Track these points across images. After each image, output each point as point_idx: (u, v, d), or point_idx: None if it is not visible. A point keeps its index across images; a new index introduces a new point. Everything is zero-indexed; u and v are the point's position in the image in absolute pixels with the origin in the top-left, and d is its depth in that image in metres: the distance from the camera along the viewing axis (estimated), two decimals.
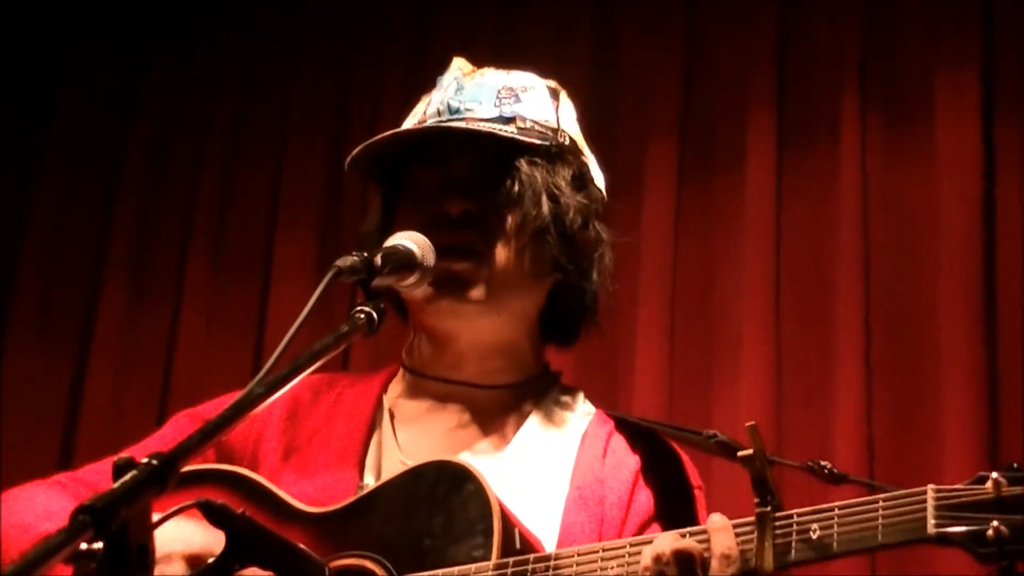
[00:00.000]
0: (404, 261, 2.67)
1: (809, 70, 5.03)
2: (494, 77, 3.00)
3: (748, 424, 2.44)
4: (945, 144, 4.75)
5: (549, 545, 2.69)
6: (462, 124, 2.90)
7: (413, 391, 3.00)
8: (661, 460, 2.91)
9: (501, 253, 2.86)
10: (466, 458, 2.81)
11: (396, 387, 3.03)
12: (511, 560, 2.53)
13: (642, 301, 4.89)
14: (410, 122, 3.02)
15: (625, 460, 2.87)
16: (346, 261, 2.52)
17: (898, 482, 4.38)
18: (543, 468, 2.87)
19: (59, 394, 5.54)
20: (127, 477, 1.97)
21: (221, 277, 5.51)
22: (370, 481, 2.83)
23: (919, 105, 4.84)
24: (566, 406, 3.01)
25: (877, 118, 4.87)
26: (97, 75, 5.92)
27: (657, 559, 2.41)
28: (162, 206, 5.69)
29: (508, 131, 2.89)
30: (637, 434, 2.94)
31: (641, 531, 2.79)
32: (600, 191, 3.03)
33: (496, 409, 2.95)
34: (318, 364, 2.37)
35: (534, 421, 2.95)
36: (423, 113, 2.99)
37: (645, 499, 2.83)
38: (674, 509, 2.86)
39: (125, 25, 5.92)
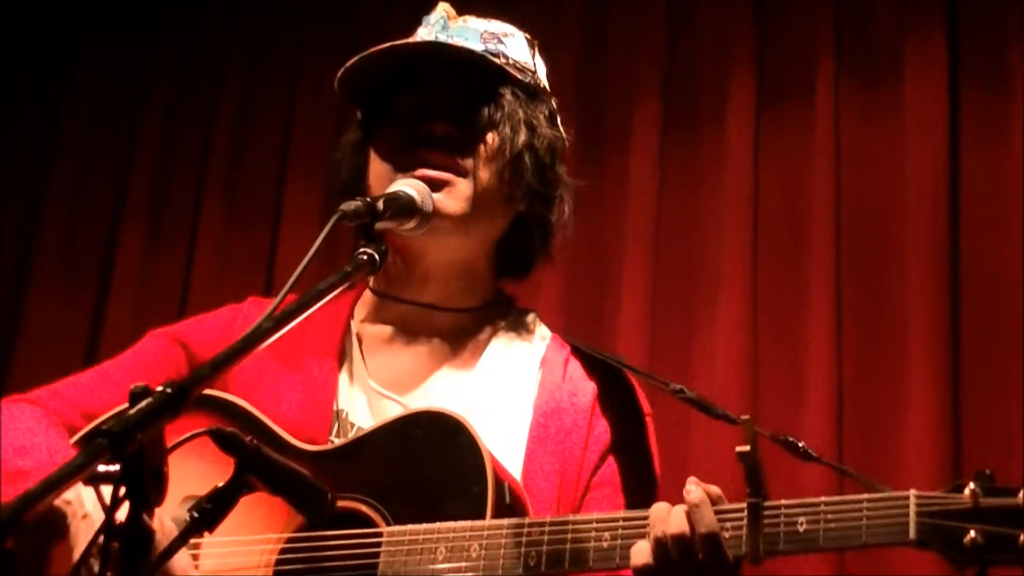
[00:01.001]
0: (405, 206, 2.68)
1: (786, 35, 5.02)
2: (476, 23, 2.99)
3: (743, 418, 2.43)
4: (913, 105, 4.75)
5: (516, 473, 2.69)
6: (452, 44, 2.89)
7: (379, 314, 2.98)
8: (615, 387, 2.91)
9: (480, 174, 2.84)
10: (433, 382, 2.84)
11: (362, 310, 3.01)
12: (507, 522, 2.52)
13: (628, 249, 4.89)
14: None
15: (583, 386, 2.87)
16: (350, 206, 2.52)
17: (865, 427, 4.43)
18: (507, 393, 2.86)
19: (80, 329, 5.55)
20: (143, 403, 1.97)
21: (233, 222, 5.51)
22: (344, 407, 2.83)
23: (889, 68, 4.83)
24: (524, 329, 3.00)
25: (850, 80, 4.87)
26: (116, 35, 5.90)
27: (658, 540, 2.39)
28: (178, 156, 5.69)
29: (494, 61, 2.89)
30: (591, 361, 2.93)
31: (600, 463, 2.81)
32: (565, 136, 3.02)
33: (458, 333, 2.94)
34: (323, 302, 2.38)
35: (495, 345, 2.94)
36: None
37: (602, 430, 2.83)
38: (627, 438, 2.87)
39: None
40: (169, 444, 2.13)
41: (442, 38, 2.92)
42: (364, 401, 2.84)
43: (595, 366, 2.92)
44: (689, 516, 2.39)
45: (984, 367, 4.47)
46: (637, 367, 2.96)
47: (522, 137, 2.86)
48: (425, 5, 5.36)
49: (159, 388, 1.98)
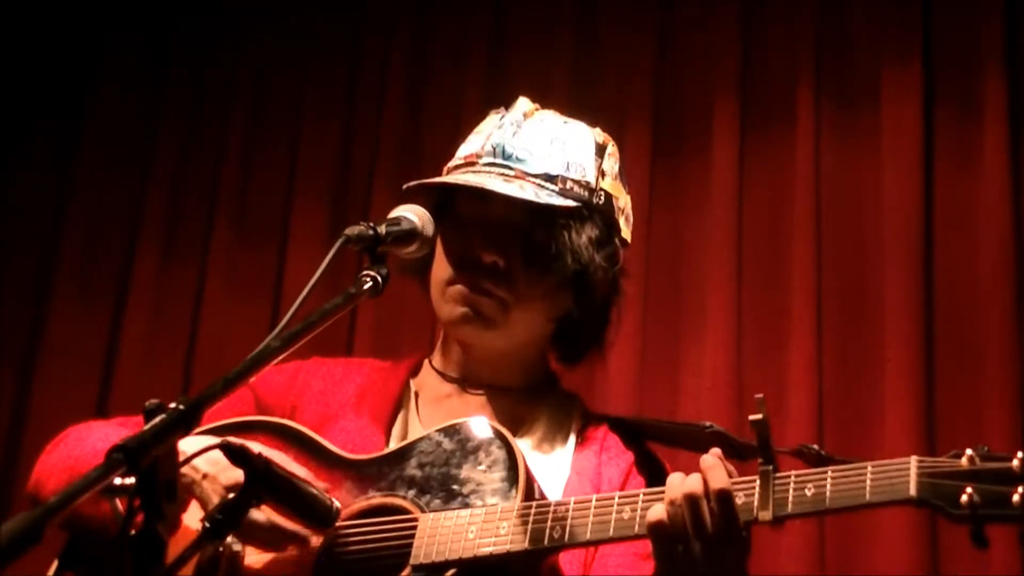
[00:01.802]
0: (406, 232, 2.69)
1: (769, 63, 5.02)
2: (551, 123, 3.03)
3: (757, 396, 2.50)
4: (890, 131, 4.75)
5: None
6: (510, 176, 2.91)
7: (437, 379, 3.05)
8: (649, 463, 2.95)
9: (522, 302, 2.90)
10: None
11: (423, 374, 3.08)
12: (534, 503, 2.57)
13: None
14: (471, 148, 3.02)
15: (620, 457, 2.92)
16: (354, 230, 2.56)
17: (844, 433, 4.44)
18: (547, 457, 2.91)
19: (99, 342, 5.54)
20: (156, 420, 1.98)
21: (242, 243, 5.51)
22: (394, 447, 2.87)
23: (867, 95, 4.83)
24: (566, 408, 3.05)
25: (829, 106, 4.87)
26: (130, 70, 5.90)
27: (672, 502, 2.44)
28: (190, 182, 5.68)
29: (549, 190, 2.90)
30: (629, 435, 2.97)
31: None
32: (624, 240, 3.05)
33: (507, 404, 2.99)
34: (329, 322, 2.39)
35: (537, 420, 2.99)
36: (480, 147, 2.99)
37: (637, 484, 2.85)
38: None
39: (155, 19, 5.90)
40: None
41: (509, 148, 2.94)
42: None
43: (631, 441, 2.96)
44: (704, 476, 2.44)
45: (957, 380, 4.47)
46: (662, 420, 3.03)
47: (568, 269, 2.89)
48: (424, 44, 5.40)
49: (172, 405, 2.00)
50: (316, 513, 2.37)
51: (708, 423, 2.80)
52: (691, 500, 2.43)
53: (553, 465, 2.89)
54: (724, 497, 2.41)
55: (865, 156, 4.79)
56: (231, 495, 2.35)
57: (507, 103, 3.10)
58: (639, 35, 5.18)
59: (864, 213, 4.74)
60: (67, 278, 5.66)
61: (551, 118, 3.04)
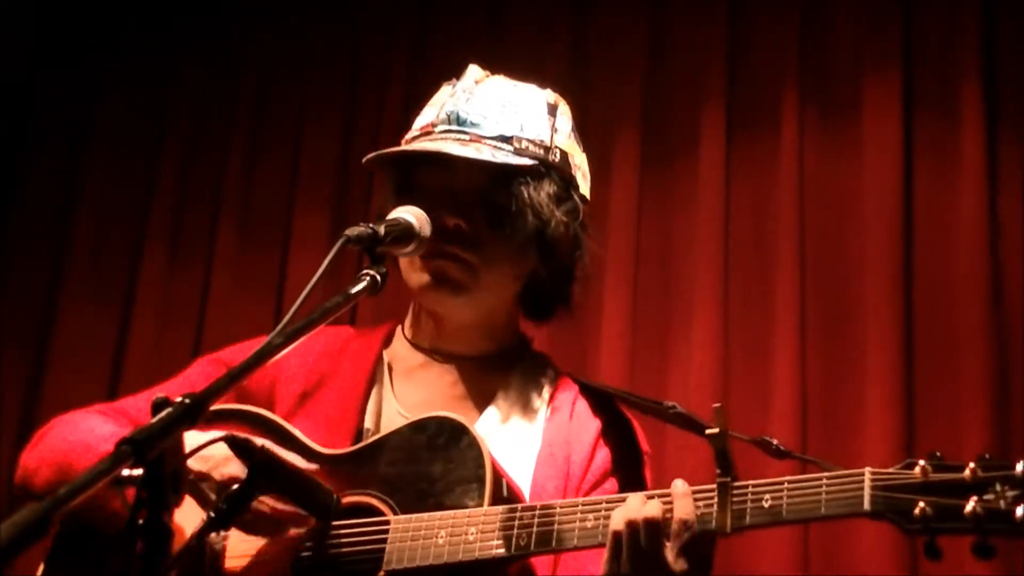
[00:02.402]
0: (404, 232, 2.68)
1: (754, 71, 5.02)
2: (501, 87, 3.00)
3: (715, 405, 2.45)
4: (871, 136, 4.75)
5: (525, 494, 2.71)
6: (465, 140, 2.89)
7: (409, 350, 3.02)
8: (617, 425, 2.93)
9: (488, 263, 2.87)
10: (454, 410, 2.82)
11: (395, 344, 3.05)
12: (501, 508, 2.54)
13: (609, 270, 4.88)
14: (426, 119, 2.99)
15: (588, 424, 2.89)
16: (354, 231, 2.55)
17: (827, 432, 4.44)
18: (518, 426, 2.90)
19: (108, 340, 5.55)
20: (163, 414, 1.98)
21: (246, 245, 5.52)
22: (369, 425, 2.86)
23: (848, 102, 4.83)
24: (537, 372, 3.03)
25: (813, 113, 4.88)
26: (136, 77, 5.91)
27: (629, 524, 2.43)
28: (195, 185, 5.69)
29: (505, 151, 2.88)
30: (597, 400, 2.95)
31: (598, 485, 2.82)
32: (583, 196, 3.02)
33: (479, 373, 2.97)
34: (329, 319, 2.39)
35: (510, 385, 2.97)
36: (435, 116, 2.97)
37: (603, 459, 2.85)
38: (626, 470, 2.88)
39: (159, 29, 5.91)
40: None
41: (463, 113, 2.91)
42: (389, 421, 2.86)
43: (599, 406, 2.94)
44: (674, 504, 2.42)
45: (935, 377, 4.48)
46: (630, 392, 2.99)
47: (530, 227, 2.86)
48: (422, 52, 5.39)
49: (178, 399, 2.00)
50: (317, 504, 2.37)
51: (671, 403, 2.77)
52: (649, 525, 2.41)
53: (525, 435, 2.87)
54: (685, 526, 2.40)
55: (847, 161, 4.79)
56: (232, 487, 2.35)
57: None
58: (629, 45, 5.19)
59: (846, 217, 4.74)
60: (78, 277, 5.67)
61: (502, 83, 3.02)
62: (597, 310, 4.87)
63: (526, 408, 2.95)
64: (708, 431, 2.42)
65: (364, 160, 2.97)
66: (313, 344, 2.99)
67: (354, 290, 2.46)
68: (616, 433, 2.91)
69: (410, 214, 2.71)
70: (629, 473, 2.87)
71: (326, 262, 2.44)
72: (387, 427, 2.82)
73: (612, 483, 2.84)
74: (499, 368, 3.00)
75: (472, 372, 2.97)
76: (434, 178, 2.91)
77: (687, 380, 4.67)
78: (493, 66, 3.07)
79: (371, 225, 2.60)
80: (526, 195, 2.87)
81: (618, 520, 2.44)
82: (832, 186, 4.80)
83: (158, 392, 2.91)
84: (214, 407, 2.61)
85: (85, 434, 2.79)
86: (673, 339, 4.83)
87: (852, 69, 4.87)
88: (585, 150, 3.08)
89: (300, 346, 2.87)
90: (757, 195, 4.89)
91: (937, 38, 4.79)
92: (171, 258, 5.58)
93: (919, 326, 4.54)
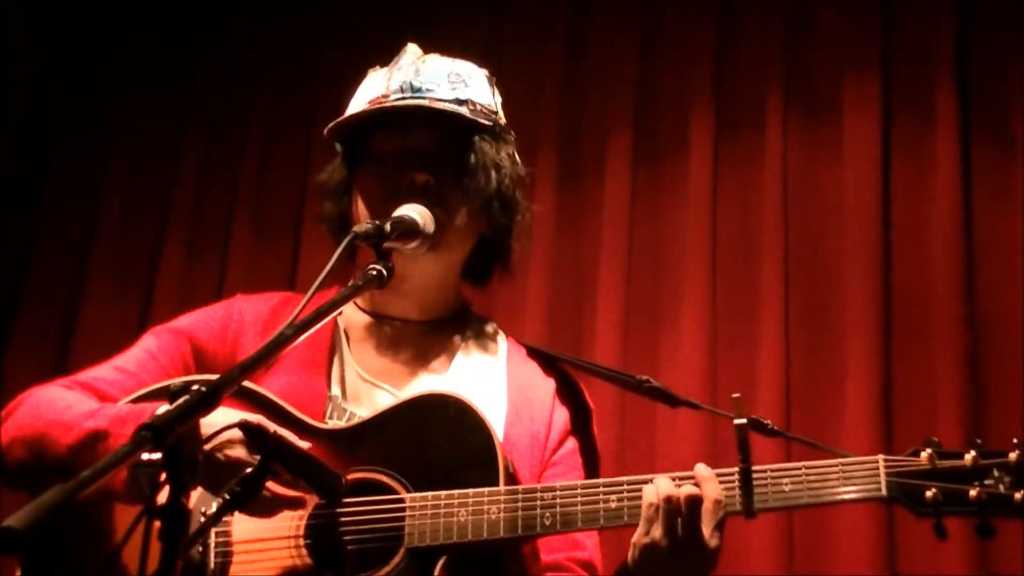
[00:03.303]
0: (409, 229, 2.69)
1: (740, 74, 5.02)
2: (442, 62, 2.99)
3: (734, 396, 2.54)
4: (851, 136, 4.76)
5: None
6: (426, 103, 2.87)
7: (361, 316, 3.00)
8: (567, 384, 2.96)
9: (454, 216, 2.85)
10: (417, 374, 2.86)
11: (347, 310, 3.00)
12: (520, 488, 2.55)
13: (603, 265, 4.89)
14: (373, 93, 2.97)
15: (543, 383, 2.91)
16: (361, 227, 2.57)
17: (810, 415, 4.45)
18: (482, 388, 2.87)
19: (129, 327, 5.52)
20: (181, 401, 1.98)
21: (260, 237, 5.52)
22: (336, 392, 2.84)
23: (830, 104, 4.84)
24: (487, 335, 3.03)
25: (796, 114, 4.88)
26: (157, 78, 5.91)
27: (668, 500, 2.46)
28: (213, 181, 5.69)
29: (464, 111, 2.89)
30: (546, 361, 2.97)
31: (562, 444, 2.84)
32: (521, 166, 3.03)
33: (432, 337, 2.96)
34: (337, 311, 2.39)
35: (464, 348, 2.97)
36: (386, 87, 2.95)
37: (563, 418, 2.88)
38: (578, 426, 2.91)
39: (179, 41, 5.92)
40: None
41: (416, 83, 2.90)
42: (354, 388, 2.85)
43: (549, 367, 2.96)
44: (700, 486, 2.47)
45: (911, 365, 4.48)
46: (580, 359, 3.02)
47: (492, 183, 2.87)
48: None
49: (195, 388, 2.00)
50: (326, 484, 2.37)
51: (645, 377, 2.79)
52: (691, 501, 2.45)
53: (490, 394, 2.86)
54: (719, 505, 2.45)
55: (829, 160, 4.80)
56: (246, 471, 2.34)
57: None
58: (622, 50, 5.19)
59: (827, 213, 4.75)
60: (101, 271, 5.67)
61: (441, 58, 3.01)
62: (591, 305, 4.88)
63: (485, 370, 2.94)
64: (736, 421, 2.50)
65: (327, 129, 2.96)
66: (263, 309, 2.98)
67: (361, 283, 2.48)
68: (567, 392, 2.93)
69: (415, 212, 2.72)
70: (583, 431, 2.91)
71: (335, 257, 2.46)
72: (352, 392, 2.82)
73: (572, 441, 2.86)
74: (450, 331, 2.99)
75: (426, 336, 2.96)
76: (395, 142, 2.89)
77: (677, 368, 4.67)
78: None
79: (377, 222, 2.60)
80: (489, 153, 2.88)
81: (652, 495, 2.47)
82: (814, 183, 4.81)
83: (120, 363, 2.89)
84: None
85: (62, 412, 2.69)
86: (663, 329, 4.83)
87: (833, 73, 4.87)
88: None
89: (261, 311, 2.87)
90: (743, 192, 4.89)
91: (914, 43, 4.80)
92: (189, 251, 5.59)
93: (896, 317, 4.55)
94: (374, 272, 2.51)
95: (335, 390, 2.84)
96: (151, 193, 5.73)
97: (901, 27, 4.84)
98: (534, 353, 2.99)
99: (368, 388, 2.83)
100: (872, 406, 4.38)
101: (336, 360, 2.91)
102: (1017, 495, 2.33)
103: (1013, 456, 2.37)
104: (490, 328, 3.06)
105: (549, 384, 2.91)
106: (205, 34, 5.90)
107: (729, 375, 4.66)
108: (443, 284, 2.97)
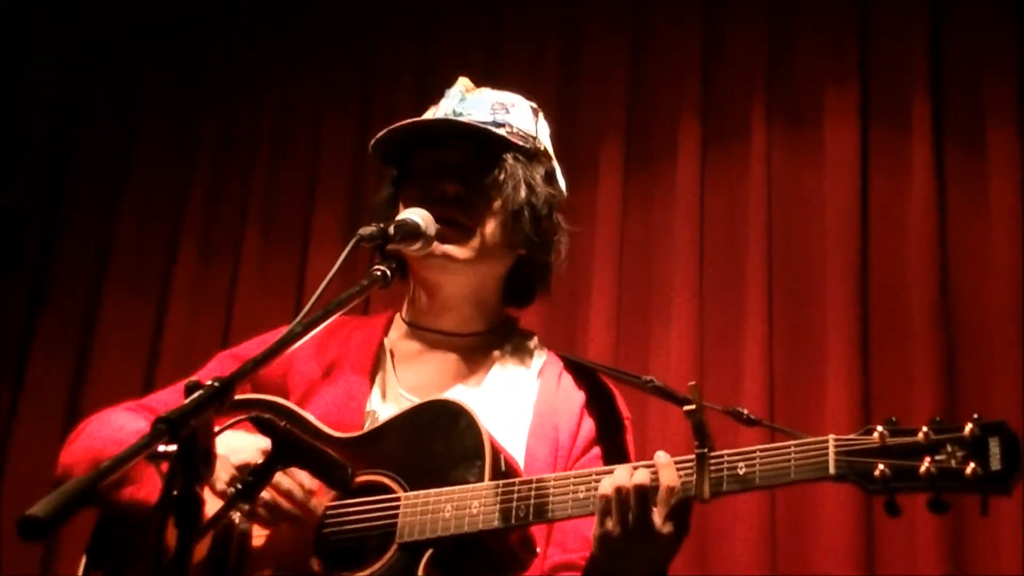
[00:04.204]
0: (412, 231, 2.72)
1: (726, 85, 5.02)
2: (490, 94, 3.00)
3: (691, 383, 2.46)
4: (831, 145, 4.76)
5: (520, 466, 2.71)
6: (463, 122, 2.89)
7: (408, 336, 3.01)
8: (599, 395, 2.93)
9: (484, 227, 2.86)
10: (451, 392, 2.85)
11: (395, 331, 3.04)
12: (501, 483, 2.54)
13: (597, 265, 4.89)
14: (421, 117, 2.99)
15: (573, 396, 2.89)
16: (366, 231, 2.59)
17: (793, 408, 4.46)
18: (511, 400, 2.88)
19: (145, 333, 5.55)
20: (195, 395, 1.99)
21: (269, 245, 5.51)
22: (375, 408, 2.85)
23: (811, 114, 4.84)
24: (525, 349, 3.02)
25: (779, 123, 4.88)
26: (170, 94, 5.91)
27: (619, 490, 2.43)
28: (224, 191, 5.69)
29: (499, 132, 2.89)
30: (581, 373, 2.94)
31: (586, 453, 2.83)
32: (562, 190, 3.03)
33: (472, 351, 2.96)
34: (344, 310, 2.40)
35: (501, 362, 2.97)
36: (432, 115, 2.98)
37: (588, 428, 2.86)
38: (609, 436, 2.88)
39: (190, 54, 5.93)
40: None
41: (458, 109, 2.93)
42: (392, 402, 2.86)
43: (583, 379, 2.94)
44: (658, 472, 2.44)
45: (889, 360, 4.49)
46: (611, 367, 2.99)
47: (521, 195, 2.87)
48: (426, 71, 5.39)
49: (208, 382, 2.01)
50: (335, 475, 2.37)
51: (649, 377, 2.74)
52: (639, 490, 2.42)
53: (518, 408, 2.87)
54: (672, 492, 2.42)
55: (810, 167, 4.80)
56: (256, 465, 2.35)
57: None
58: (614, 62, 5.19)
59: (809, 216, 4.75)
60: (118, 277, 5.67)
61: (490, 90, 3.02)
62: (585, 305, 4.89)
63: (517, 383, 2.94)
64: (686, 407, 2.43)
65: (371, 144, 2.96)
66: (321, 334, 2.99)
67: (367, 283, 2.52)
68: (599, 404, 2.91)
69: (417, 215, 2.74)
70: (613, 439, 2.88)
71: (341, 259, 2.48)
72: (391, 408, 2.83)
73: (597, 451, 2.84)
74: (490, 345, 2.99)
75: (466, 351, 2.96)
76: (433, 158, 2.91)
77: (667, 364, 4.67)
78: (491, 82, 3.08)
79: (381, 225, 2.63)
80: (520, 171, 2.88)
81: (607, 487, 2.45)
82: (797, 188, 4.81)
83: (180, 384, 2.92)
84: (235, 398, 2.62)
85: (115, 431, 2.79)
86: (654, 327, 4.83)
87: (814, 84, 4.87)
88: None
89: (310, 339, 2.90)
90: (729, 196, 4.89)
91: (890, 55, 4.80)
92: (202, 257, 5.58)
93: (874, 314, 4.55)
94: (378, 272, 2.55)
95: (374, 406, 2.86)
96: (166, 205, 5.73)
97: (878, 40, 4.85)
98: (570, 364, 2.97)
99: (405, 404, 2.83)
100: (851, 399, 4.38)
101: (379, 378, 2.92)
102: (967, 468, 2.18)
103: (967, 430, 2.22)
104: (531, 343, 3.05)
105: (580, 396, 2.90)
106: (218, 53, 5.89)
107: (716, 370, 4.67)
108: (480, 296, 2.97)
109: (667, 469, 2.44)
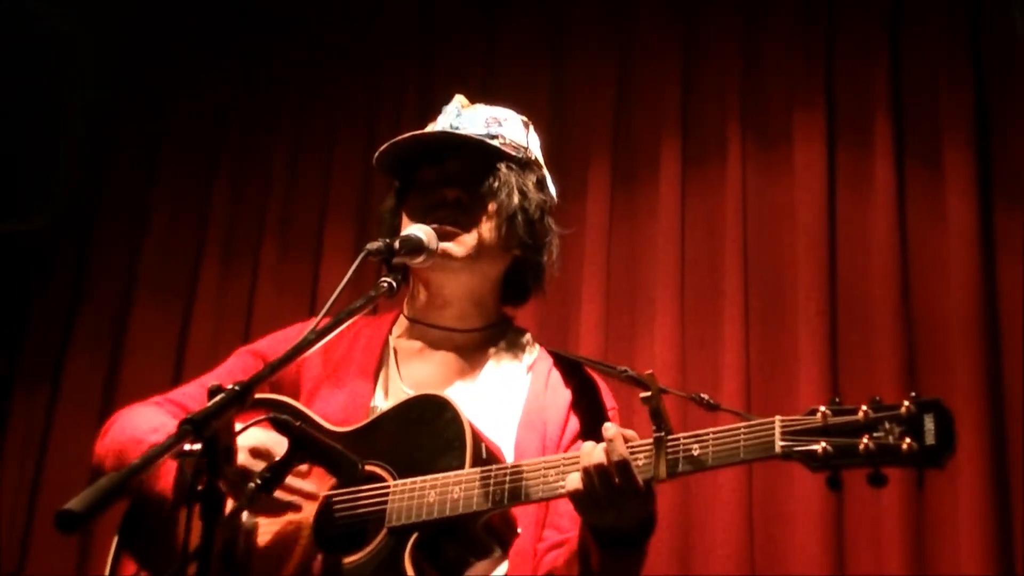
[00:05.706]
0: (415, 245, 2.74)
1: (704, 108, 5.03)
2: (484, 109, 3.01)
3: (647, 372, 2.46)
4: (801, 163, 4.76)
5: (508, 455, 2.72)
6: (459, 134, 2.91)
7: (411, 334, 3.02)
8: (586, 389, 2.93)
9: (481, 229, 2.87)
10: (449, 388, 2.86)
11: (398, 329, 3.04)
12: (480, 469, 2.55)
13: (587, 273, 4.90)
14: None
15: (561, 392, 2.89)
16: (373, 245, 2.62)
17: (767, 403, 4.46)
18: (503, 395, 2.89)
19: (171, 339, 5.54)
20: (218, 398, 2.00)
21: (285, 257, 5.50)
22: (379, 403, 2.86)
23: (782, 135, 4.84)
24: (519, 346, 3.02)
25: (752, 143, 4.88)
26: (195, 117, 5.91)
27: (585, 470, 2.44)
28: (244, 203, 5.69)
29: (493, 143, 2.91)
30: (569, 368, 2.94)
31: (573, 443, 2.82)
32: (553, 196, 3.04)
33: (469, 347, 2.97)
34: (354, 319, 2.41)
35: (496, 358, 2.97)
36: (431, 130, 2.99)
37: (575, 424, 2.85)
38: (596, 428, 2.88)
39: (214, 78, 5.93)
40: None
41: (455, 124, 2.94)
42: (395, 398, 2.86)
43: (570, 373, 2.93)
44: (606, 449, 2.42)
45: (855, 362, 4.50)
46: (592, 359, 2.97)
47: (515, 201, 2.88)
48: (428, 89, 5.39)
49: (229, 386, 2.01)
50: (345, 468, 2.39)
51: (623, 368, 2.73)
52: (598, 469, 2.42)
53: (509, 402, 2.87)
54: (623, 465, 2.40)
55: (781, 184, 4.81)
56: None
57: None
58: (600, 86, 5.20)
59: (781, 230, 4.75)
60: (147, 285, 5.66)
61: (484, 106, 3.04)
62: (575, 310, 4.89)
63: (509, 378, 2.94)
64: (642, 395, 2.43)
65: (375, 157, 2.97)
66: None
67: (374, 294, 2.54)
68: (585, 398, 2.91)
69: (420, 231, 2.76)
70: (597, 430, 2.89)
71: (350, 271, 2.49)
72: (392, 403, 2.83)
73: (581, 444, 2.85)
74: (487, 342, 2.99)
75: (464, 348, 2.96)
76: (433, 168, 2.93)
77: (651, 364, 4.65)
78: (487, 102, 3.08)
79: (387, 240, 2.64)
80: (513, 178, 2.89)
81: (574, 479, 2.46)
82: (769, 203, 4.81)
83: (206, 380, 2.94)
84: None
85: (138, 427, 2.81)
86: (639, 331, 4.83)
87: (784, 107, 4.88)
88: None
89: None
90: (707, 211, 4.90)
91: (854, 81, 4.81)
92: (224, 268, 5.58)
93: (841, 318, 4.56)
94: (385, 284, 2.58)
95: (377, 402, 2.87)
96: (191, 216, 5.73)
97: (842, 66, 4.85)
98: (560, 360, 2.97)
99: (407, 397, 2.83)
100: (821, 395, 4.37)
101: (383, 373, 2.94)
102: (904, 444, 2.18)
103: (904, 408, 2.23)
104: (525, 339, 3.05)
105: (567, 395, 2.90)
106: (238, 77, 5.89)
107: (696, 370, 4.67)
108: (478, 295, 2.97)
109: (616, 441, 2.43)
